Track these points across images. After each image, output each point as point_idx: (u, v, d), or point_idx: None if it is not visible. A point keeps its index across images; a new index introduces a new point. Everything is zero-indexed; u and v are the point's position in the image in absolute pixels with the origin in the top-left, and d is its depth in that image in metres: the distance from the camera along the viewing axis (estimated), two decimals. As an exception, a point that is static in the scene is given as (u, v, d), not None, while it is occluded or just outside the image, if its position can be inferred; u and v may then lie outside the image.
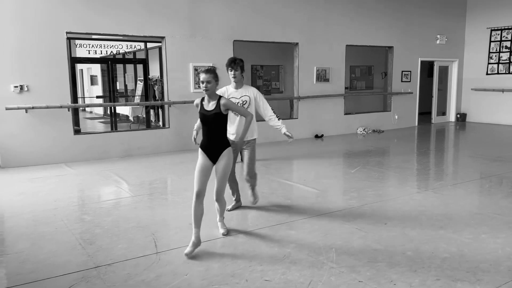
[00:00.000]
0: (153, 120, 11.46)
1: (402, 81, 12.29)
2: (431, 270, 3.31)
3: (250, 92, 4.58)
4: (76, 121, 9.27)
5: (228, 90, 4.56)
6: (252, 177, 4.74)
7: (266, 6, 9.68)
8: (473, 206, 5.05)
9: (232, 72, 4.46)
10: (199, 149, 3.89)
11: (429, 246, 3.77)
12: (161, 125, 9.83)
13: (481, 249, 3.71)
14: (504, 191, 5.68)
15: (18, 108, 7.25)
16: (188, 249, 3.64)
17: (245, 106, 4.50)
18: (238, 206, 4.90)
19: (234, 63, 4.44)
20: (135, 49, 11.41)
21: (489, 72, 12.96)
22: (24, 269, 3.42)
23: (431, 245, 3.80)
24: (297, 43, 10.26)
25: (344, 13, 10.87)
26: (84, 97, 17.04)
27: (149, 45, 10.71)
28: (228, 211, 4.69)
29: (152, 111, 11.50)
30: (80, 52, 10.94)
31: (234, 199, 4.89)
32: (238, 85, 4.55)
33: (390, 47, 12.00)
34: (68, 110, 7.79)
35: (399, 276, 3.22)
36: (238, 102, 4.43)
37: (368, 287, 3.07)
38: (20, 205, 5.17)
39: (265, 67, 13.13)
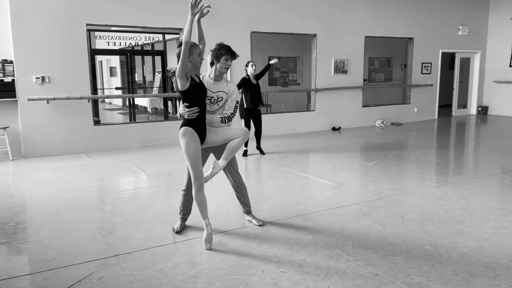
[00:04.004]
0: (171, 112, 11.55)
1: (422, 73, 12.08)
2: (449, 265, 3.28)
3: (227, 88, 3.86)
4: (95, 112, 9.40)
5: (205, 79, 3.84)
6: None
7: (284, -3, 9.61)
8: (494, 201, 4.96)
9: (229, 62, 3.82)
10: (189, 130, 3.48)
11: (447, 241, 3.73)
12: (179, 117, 9.90)
13: (501, 244, 3.65)
14: (526, 186, 5.56)
15: (40, 99, 7.39)
16: (207, 245, 3.59)
17: (219, 103, 3.83)
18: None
19: (234, 55, 3.86)
20: (153, 40, 11.48)
21: (512, 64, 12.64)
22: (46, 256, 3.51)
23: (450, 239, 3.76)
24: (315, 35, 10.17)
25: (363, 4, 10.71)
26: (103, 89, 17.25)
27: (167, 36, 10.76)
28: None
29: (170, 103, 11.58)
30: (100, 44, 11.07)
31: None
32: (219, 77, 3.85)
33: (410, 39, 11.79)
34: (88, 101, 7.91)
35: (416, 270, 3.20)
36: (211, 97, 3.78)
37: (385, 281, 3.06)
38: (42, 193, 5.30)
39: (283, 58, 13.06)
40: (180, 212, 4.03)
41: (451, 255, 3.45)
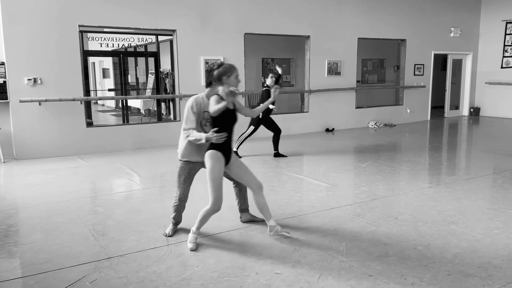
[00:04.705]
0: (164, 113, 11.52)
1: (414, 74, 12.15)
2: (442, 265, 3.29)
3: None
4: (88, 114, 9.36)
5: (199, 100, 3.75)
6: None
7: (278, -2, 9.63)
8: (486, 201, 4.99)
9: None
10: (216, 154, 3.54)
11: (440, 241, 3.74)
12: (172, 118, 9.88)
13: (493, 244, 3.67)
14: (518, 187, 5.60)
15: (32, 101, 7.34)
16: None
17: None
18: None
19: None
20: (146, 42, 11.45)
21: (504, 66, 12.74)
22: (38, 259, 3.48)
23: (442, 240, 3.78)
24: (308, 36, 10.19)
25: (356, 5, 10.75)
26: (96, 90, 17.17)
27: (160, 38, 10.74)
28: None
29: (163, 104, 11.55)
30: (92, 45, 11.03)
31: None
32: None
33: (403, 40, 11.86)
34: (81, 103, 7.86)
35: (409, 270, 3.21)
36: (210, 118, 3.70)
37: (379, 282, 3.06)
38: (34, 196, 5.26)
39: (276, 60, 13.08)
40: (172, 219, 4.01)
41: (444, 255, 3.46)
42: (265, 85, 7.31)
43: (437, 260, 3.38)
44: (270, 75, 7.29)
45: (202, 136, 3.50)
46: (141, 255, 3.53)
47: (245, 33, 9.29)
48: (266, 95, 7.14)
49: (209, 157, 3.56)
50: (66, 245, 3.76)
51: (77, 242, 3.82)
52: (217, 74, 3.57)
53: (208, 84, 3.75)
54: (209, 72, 3.71)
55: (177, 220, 4.02)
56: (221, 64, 3.61)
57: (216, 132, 3.43)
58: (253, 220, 4.24)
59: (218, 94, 3.53)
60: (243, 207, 4.27)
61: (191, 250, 3.62)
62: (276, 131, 7.48)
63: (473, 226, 4.11)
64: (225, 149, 3.59)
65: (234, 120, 3.65)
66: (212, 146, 3.55)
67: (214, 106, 3.43)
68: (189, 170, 3.91)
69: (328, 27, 10.39)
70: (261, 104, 4.09)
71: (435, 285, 3.00)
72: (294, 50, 12.51)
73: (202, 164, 3.86)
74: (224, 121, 3.55)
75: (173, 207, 4.00)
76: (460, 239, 3.79)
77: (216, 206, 3.58)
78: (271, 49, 12.59)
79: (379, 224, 4.17)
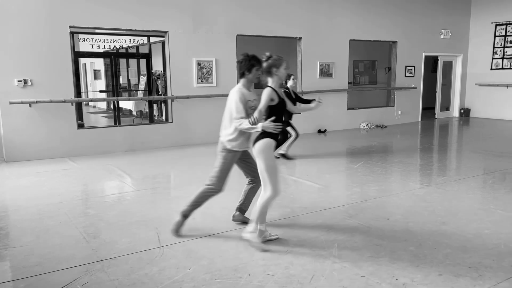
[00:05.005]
0: (156, 115, 11.48)
1: (405, 76, 12.24)
2: (433, 266, 3.32)
3: (255, 96, 4.05)
4: (79, 116, 9.30)
5: (242, 90, 3.90)
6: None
7: (270, 0, 9.64)
8: (476, 202, 5.04)
9: (259, 72, 3.92)
10: (273, 143, 3.60)
11: (431, 242, 3.77)
12: (164, 120, 9.85)
13: (484, 244, 3.71)
14: (508, 187, 5.66)
15: (22, 103, 7.27)
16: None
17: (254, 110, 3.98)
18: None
19: (262, 63, 3.89)
20: (138, 43, 11.41)
21: (493, 67, 12.88)
22: (28, 262, 3.45)
23: (434, 240, 3.81)
24: (300, 38, 10.22)
25: (347, 7, 10.81)
26: (87, 92, 17.06)
27: (152, 39, 10.70)
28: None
29: (155, 106, 11.51)
30: (83, 47, 10.96)
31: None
32: (251, 87, 4.02)
33: (394, 42, 11.94)
34: (72, 105, 7.81)
35: (401, 271, 3.23)
36: (251, 106, 3.88)
37: (371, 282, 3.08)
38: (25, 199, 5.21)
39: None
40: (186, 211, 3.96)
41: (436, 255, 3.49)
42: (285, 86, 7.24)
43: (428, 260, 3.41)
44: (292, 76, 7.27)
45: (258, 124, 3.59)
46: (133, 257, 3.52)
47: (237, 35, 9.30)
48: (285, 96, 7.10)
49: (267, 146, 3.59)
50: (57, 248, 3.72)
51: (68, 244, 3.79)
52: (267, 66, 3.70)
53: (241, 75, 3.92)
54: (240, 63, 3.88)
55: (189, 214, 3.98)
56: (270, 56, 3.72)
57: (273, 121, 3.56)
58: (244, 222, 4.21)
59: (270, 86, 3.65)
60: (243, 207, 4.23)
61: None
62: (295, 133, 7.48)
63: (464, 226, 4.15)
64: (277, 138, 3.65)
65: (283, 109, 3.77)
66: (266, 135, 3.59)
67: (263, 101, 3.57)
68: (235, 159, 3.97)
69: (320, 29, 10.43)
70: (302, 104, 4.17)
71: (426, 285, 3.02)
72: (286, 52, 12.50)
73: (241, 153, 3.97)
74: (279, 110, 3.69)
75: (200, 197, 3.96)
76: (451, 239, 3.82)
77: (277, 193, 3.63)
78: (263, 50, 12.55)
79: (371, 225, 4.19)
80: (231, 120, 3.86)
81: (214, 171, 3.96)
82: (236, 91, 3.87)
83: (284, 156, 7.48)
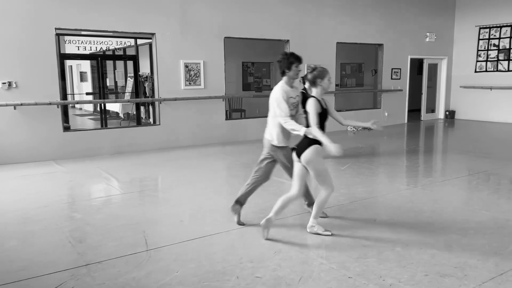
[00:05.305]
0: (144, 117, 11.41)
1: (392, 78, 12.37)
2: (419, 266, 3.35)
3: (298, 92, 4.27)
4: (65, 118, 9.20)
5: (284, 88, 4.08)
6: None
7: (257, 3, 9.67)
8: (461, 202, 5.11)
9: (299, 68, 4.10)
10: (321, 149, 3.85)
11: (417, 242, 3.81)
12: (152, 122, 9.80)
13: (469, 244, 3.76)
14: (491, 187, 5.76)
15: (6, 105, 7.16)
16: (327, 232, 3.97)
17: (296, 108, 4.21)
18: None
19: (301, 60, 4.12)
20: (125, 45, 11.33)
21: (477, 70, 13.09)
22: (13, 267, 3.40)
23: (420, 241, 3.85)
24: (288, 40, 10.26)
25: (334, 11, 10.89)
26: (73, 94, 16.88)
27: (140, 41, 10.64)
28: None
29: (142, 108, 11.44)
30: (69, 48, 10.84)
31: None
32: (292, 84, 4.18)
33: (380, 45, 12.06)
34: (57, 107, 7.72)
35: (388, 271, 3.26)
36: (293, 103, 4.11)
37: (358, 283, 3.10)
38: (10, 202, 5.13)
39: (256, 64, 13.12)
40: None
41: (422, 256, 3.53)
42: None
43: (414, 261, 3.45)
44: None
45: (301, 129, 3.81)
46: (119, 261, 3.49)
47: (225, 37, 9.30)
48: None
49: (317, 152, 3.82)
50: (42, 252, 3.68)
51: (54, 249, 3.75)
52: (312, 77, 3.95)
53: (282, 73, 4.12)
54: (280, 62, 4.10)
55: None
56: (315, 68, 3.98)
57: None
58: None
59: (314, 96, 3.92)
60: (310, 202, 4.46)
61: (327, 235, 3.93)
62: None
63: (450, 226, 4.20)
64: (320, 143, 3.84)
65: (326, 118, 3.97)
66: (311, 141, 3.81)
67: (312, 111, 3.82)
68: (290, 152, 4.13)
69: (307, 31, 10.49)
70: (355, 123, 4.39)
71: (412, 286, 3.05)
72: (274, 54, 12.52)
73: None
74: (323, 118, 3.90)
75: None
76: (437, 239, 3.87)
77: (333, 189, 3.95)
78: (251, 53, 12.62)
79: (358, 226, 4.22)
80: (274, 117, 4.09)
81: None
82: (278, 89, 4.05)
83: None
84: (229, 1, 9.29)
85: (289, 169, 4.18)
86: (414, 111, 13.76)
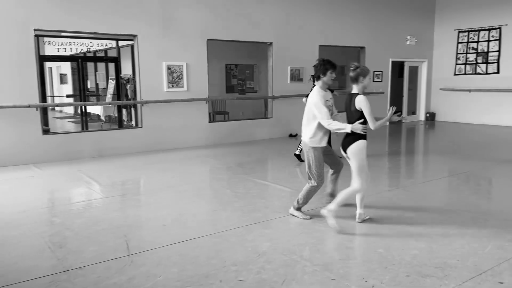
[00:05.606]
0: (126, 120, 11.27)
1: (374, 81, 12.51)
2: (401, 267, 3.38)
3: (331, 95, 4.64)
4: (45, 121, 9.03)
5: (320, 93, 4.44)
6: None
7: (240, 5, 9.67)
8: (442, 203, 5.19)
9: (333, 74, 4.44)
10: (365, 144, 4.19)
11: (399, 243, 3.85)
12: (134, 125, 9.69)
13: (449, 245, 3.82)
14: (472, 188, 5.87)
15: (-17, 108, 7.00)
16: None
17: (331, 109, 4.53)
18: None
19: (336, 67, 4.49)
20: (106, 47, 11.20)
21: (457, 73, 13.35)
22: (-10, 274, 3.31)
23: (402, 241, 3.89)
24: (271, 43, 10.29)
25: (317, 13, 10.97)
26: (53, 96, 16.59)
27: (121, 43, 10.53)
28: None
29: (124, 111, 11.31)
30: (49, 50, 10.67)
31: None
32: (326, 88, 4.54)
33: (362, 48, 12.20)
34: (37, 110, 7.57)
35: (370, 273, 3.28)
36: (330, 104, 4.49)
37: (341, 285, 3.11)
38: (-14, 208, 5.00)
39: (240, 66, 13.12)
40: (298, 205, 4.54)
41: (403, 257, 3.56)
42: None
43: (396, 262, 3.48)
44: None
45: (347, 126, 4.15)
46: (100, 266, 3.43)
47: (208, 39, 9.27)
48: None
49: (362, 147, 4.18)
50: (20, 258, 3.59)
51: (33, 255, 3.66)
52: (355, 74, 4.20)
53: (317, 78, 4.42)
54: (316, 67, 4.42)
55: (303, 205, 4.55)
56: (358, 66, 4.22)
57: (362, 124, 4.13)
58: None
59: (359, 94, 4.17)
60: (333, 193, 4.75)
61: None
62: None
63: (430, 227, 4.26)
64: (366, 138, 4.22)
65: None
66: (357, 136, 4.14)
67: (367, 109, 4.15)
68: (321, 153, 4.44)
69: (290, 34, 10.54)
70: (380, 120, 4.46)
71: (394, 287, 3.08)
72: (257, 57, 12.59)
73: (324, 148, 4.49)
74: (363, 115, 4.15)
75: (307, 194, 4.50)
76: (418, 240, 3.92)
77: (361, 189, 4.22)
78: (234, 55, 12.61)
79: (341, 228, 4.24)
80: (311, 120, 4.41)
81: (310, 169, 4.44)
82: (316, 94, 4.36)
83: (297, 157, 7.44)
84: (212, 3, 9.27)
85: (310, 168, 4.43)
86: (395, 113, 13.91)
